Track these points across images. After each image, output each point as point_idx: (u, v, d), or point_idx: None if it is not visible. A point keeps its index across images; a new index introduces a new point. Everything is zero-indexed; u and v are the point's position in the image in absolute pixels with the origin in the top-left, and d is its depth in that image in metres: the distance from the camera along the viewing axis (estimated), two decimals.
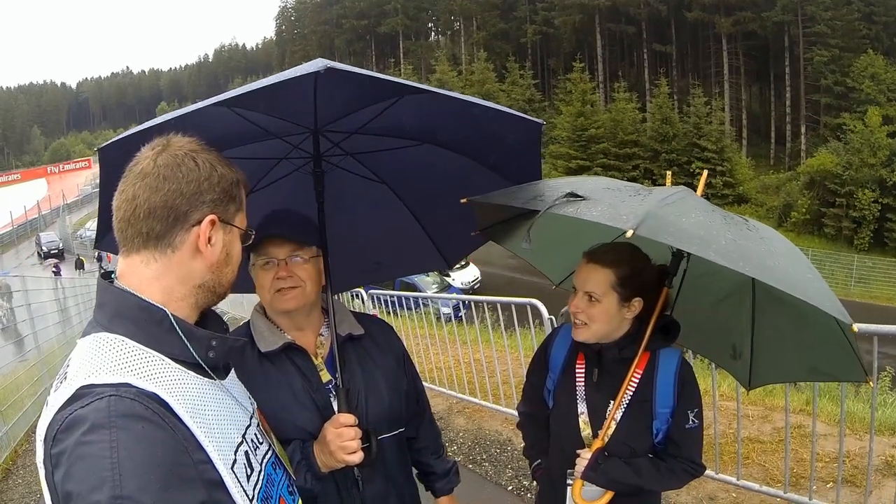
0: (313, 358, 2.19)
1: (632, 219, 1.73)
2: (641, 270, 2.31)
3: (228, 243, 1.47)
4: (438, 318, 8.81)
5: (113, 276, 1.43)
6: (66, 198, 62.97)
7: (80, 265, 37.55)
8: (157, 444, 1.15)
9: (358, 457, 1.96)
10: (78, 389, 1.19)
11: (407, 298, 9.17)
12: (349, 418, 1.99)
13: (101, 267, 36.25)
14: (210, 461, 1.26)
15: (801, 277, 1.93)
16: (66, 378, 1.24)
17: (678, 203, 1.99)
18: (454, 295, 11.28)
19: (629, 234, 1.67)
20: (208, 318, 1.55)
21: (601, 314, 2.28)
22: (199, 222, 1.39)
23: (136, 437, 1.13)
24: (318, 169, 2.28)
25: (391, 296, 9.50)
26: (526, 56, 66.07)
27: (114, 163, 1.45)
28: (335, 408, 2.12)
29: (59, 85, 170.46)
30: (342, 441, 1.95)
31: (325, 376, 2.18)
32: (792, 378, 3.06)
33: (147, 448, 1.13)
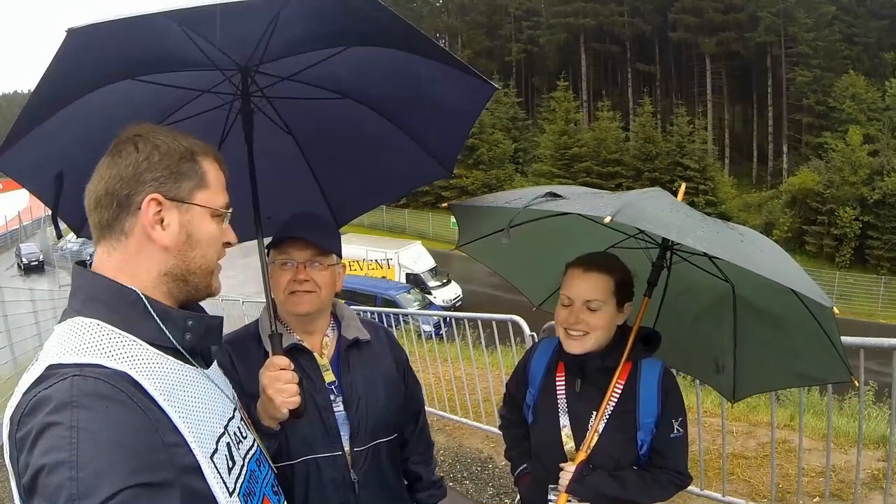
0: (318, 358, 2.20)
1: (609, 208, 1.74)
2: (629, 275, 2.32)
3: (188, 223, 1.41)
4: (419, 336, 8.76)
5: (88, 263, 1.43)
6: (48, 209, 61.50)
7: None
8: (121, 424, 1.13)
9: (295, 401, 1.87)
10: (46, 370, 1.18)
11: (387, 315, 9.11)
12: (284, 360, 1.91)
13: None
14: (186, 444, 1.23)
15: (781, 266, 1.96)
16: (37, 360, 1.23)
17: (656, 198, 2.01)
18: (435, 312, 11.21)
19: (607, 220, 1.67)
20: (192, 309, 1.51)
21: (602, 321, 2.26)
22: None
23: (98, 416, 1.11)
24: (246, 107, 2.17)
25: (372, 312, 9.43)
26: (510, 74, 66.27)
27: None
28: (334, 409, 2.15)
29: None
30: (281, 384, 1.86)
31: (329, 377, 2.19)
32: (776, 386, 3.06)
33: (109, 428, 1.11)
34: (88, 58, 1.59)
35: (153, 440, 1.16)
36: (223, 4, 1.54)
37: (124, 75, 1.92)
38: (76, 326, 1.28)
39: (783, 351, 2.43)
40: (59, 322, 1.33)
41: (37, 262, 44.05)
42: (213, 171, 1.46)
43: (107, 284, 1.34)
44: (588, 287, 2.26)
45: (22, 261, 44.42)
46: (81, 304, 1.33)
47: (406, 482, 2.53)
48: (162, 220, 1.37)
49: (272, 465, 1.68)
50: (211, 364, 1.55)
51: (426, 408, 7.53)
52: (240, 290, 21.41)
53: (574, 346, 2.30)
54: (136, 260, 1.37)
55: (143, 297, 1.33)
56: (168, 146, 1.40)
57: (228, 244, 1.51)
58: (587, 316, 2.26)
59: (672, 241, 2.33)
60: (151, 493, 1.11)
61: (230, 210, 1.50)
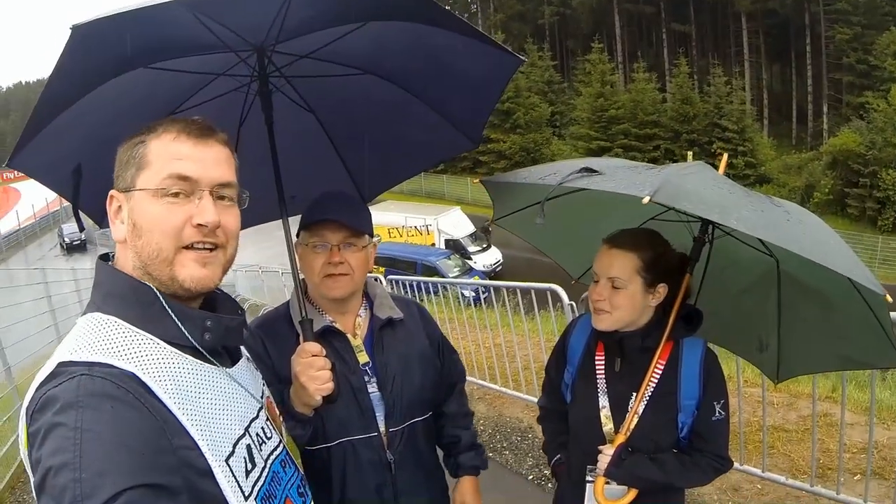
0: (352, 339, 2.19)
1: (648, 187, 1.67)
2: (664, 254, 2.23)
3: (132, 211, 1.35)
4: (459, 302, 8.77)
5: (111, 257, 1.43)
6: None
7: None
8: (126, 424, 1.12)
9: (328, 388, 1.86)
10: (56, 367, 1.19)
11: (426, 283, 9.13)
12: (316, 347, 1.90)
13: None
14: (197, 447, 1.21)
15: (829, 249, 1.87)
16: (53, 354, 1.24)
17: (697, 174, 1.94)
18: (475, 280, 11.22)
19: (645, 200, 1.61)
20: (218, 301, 1.51)
21: (626, 300, 2.20)
22: None
23: (102, 416, 1.11)
24: (264, 88, 2.13)
25: (412, 280, 9.45)
26: (544, 37, 65.42)
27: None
28: (369, 390, 2.14)
29: None
30: (314, 371, 1.85)
31: (363, 358, 2.18)
32: (821, 368, 2.97)
33: (113, 428, 1.10)
34: (97, 51, 1.56)
35: (160, 442, 1.16)
36: None
37: (135, 64, 1.89)
38: (93, 323, 1.28)
39: (830, 332, 2.35)
40: (82, 314, 1.33)
41: (79, 242, 44.79)
42: (158, 148, 1.36)
43: (125, 281, 1.34)
44: (612, 264, 2.21)
45: (64, 240, 45.39)
46: (102, 299, 1.34)
47: (445, 448, 2.52)
48: (123, 217, 1.37)
49: (299, 465, 1.64)
50: (238, 361, 1.52)
51: (466, 377, 7.58)
52: (280, 261, 21.55)
53: (599, 323, 2.26)
54: (121, 257, 1.39)
55: (160, 295, 1.32)
56: (126, 140, 1.39)
57: (201, 226, 1.34)
58: (610, 294, 2.21)
59: None
60: (156, 495, 1.09)
61: (168, 188, 1.33)
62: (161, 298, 1.32)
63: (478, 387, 7.63)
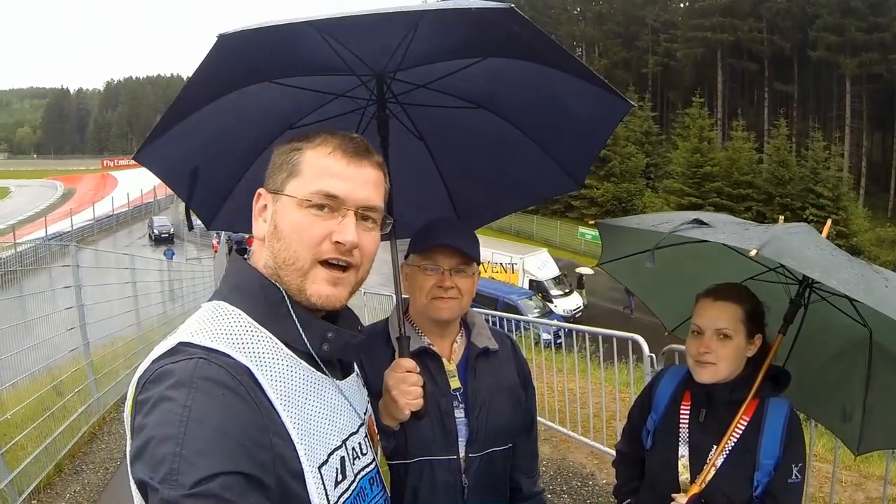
0: (446, 363, 2.22)
1: (756, 241, 1.74)
2: (760, 306, 2.28)
3: (275, 213, 1.38)
4: (537, 343, 8.75)
5: (248, 253, 1.48)
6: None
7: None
8: (233, 414, 1.14)
9: (418, 404, 1.89)
10: (177, 344, 1.22)
11: (508, 320, 9.17)
12: (410, 363, 1.94)
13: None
14: (294, 450, 1.24)
15: None
16: (174, 332, 1.28)
17: (802, 234, 1.98)
18: (559, 322, 11.06)
19: (752, 253, 1.67)
20: (340, 313, 1.52)
21: (732, 351, 2.24)
22: None
23: (212, 401, 1.13)
24: (382, 113, 2.20)
25: (492, 316, 9.56)
26: (646, 87, 65.14)
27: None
28: (455, 414, 2.16)
29: (184, 79, 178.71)
30: (406, 385, 1.89)
31: (455, 383, 2.20)
32: None
33: (221, 414, 1.12)
34: (233, 61, 1.65)
35: (261, 438, 1.17)
36: (364, 16, 1.54)
37: (262, 77, 2.00)
38: (218, 311, 1.31)
39: None
40: (208, 301, 1.37)
41: (167, 235, 46.54)
42: (313, 159, 1.39)
43: (256, 277, 1.38)
44: (719, 316, 2.24)
45: (153, 232, 47.15)
46: (229, 290, 1.37)
47: (510, 493, 2.48)
48: (267, 215, 1.41)
49: (387, 486, 1.64)
50: (349, 375, 1.56)
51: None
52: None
53: (704, 376, 2.28)
54: (256, 254, 1.43)
55: (287, 298, 1.35)
56: (284, 143, 1.45)
57: (339, 243, 1.36)
58: (717, 345, 2.24)
59: (812, 280, 2.26)
60: (249, 486, 1.10)
61: (315, 200, 1.36)
62: (288, 301, 1.35)
63: (545, 428, 7.58)
